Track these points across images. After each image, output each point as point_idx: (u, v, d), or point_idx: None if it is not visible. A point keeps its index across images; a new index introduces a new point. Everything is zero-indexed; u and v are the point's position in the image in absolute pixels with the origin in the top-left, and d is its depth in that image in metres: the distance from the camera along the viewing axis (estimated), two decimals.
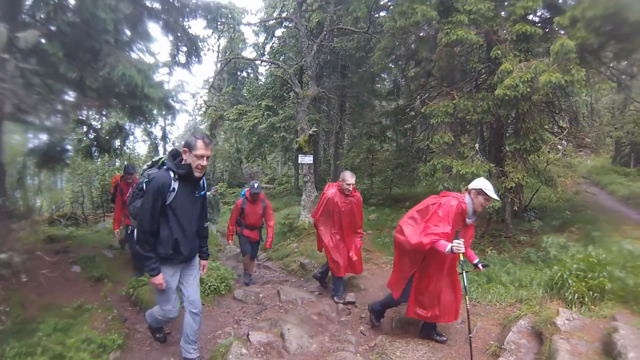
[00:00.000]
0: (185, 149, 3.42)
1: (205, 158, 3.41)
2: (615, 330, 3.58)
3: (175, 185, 3.42)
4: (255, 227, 7.39)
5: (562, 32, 8.16)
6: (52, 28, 4.99)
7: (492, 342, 4.14)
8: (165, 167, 3.51)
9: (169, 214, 3.46)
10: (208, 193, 12.85)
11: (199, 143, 3.36)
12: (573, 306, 4.33)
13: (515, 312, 4.59)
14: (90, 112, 7.38)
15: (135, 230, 3.58)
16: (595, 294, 4.38)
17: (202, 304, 5.56)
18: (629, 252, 5.63)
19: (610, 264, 4.77)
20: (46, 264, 5.89)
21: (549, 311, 4.20)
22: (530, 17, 9.28)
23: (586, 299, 4.35)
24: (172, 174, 3.42)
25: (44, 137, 6.52)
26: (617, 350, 3.34)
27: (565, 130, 9.63)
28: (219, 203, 14.18)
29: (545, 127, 9.39)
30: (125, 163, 14.93)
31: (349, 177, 5.78)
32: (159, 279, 3.49)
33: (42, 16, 4.92)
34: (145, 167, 3.91)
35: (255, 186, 7.24)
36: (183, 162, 3.46)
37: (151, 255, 3.45)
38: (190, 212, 3.61)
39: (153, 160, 3.90)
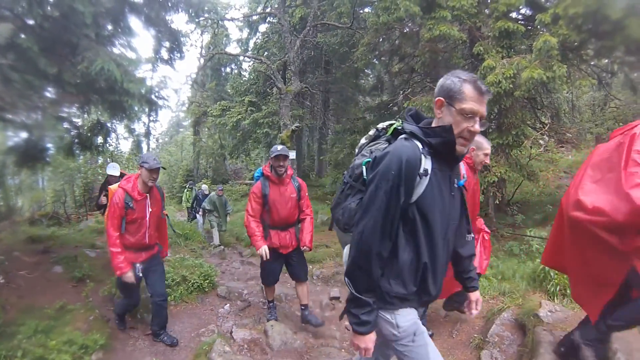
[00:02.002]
0: (441, 98, 1.81)
1: (478, 119, 1.77)
2: None
3: (427, 165, 1.79)
4: (289, 225, 4.67)
5: (544, 30, 8.29)
6: (30, 22, 4.88)
7: (475, 335, 4.17)
8: (404, 135, 1.90)
9: (416, 219, 1.82)
10: (212, 193, 11.81)
11: (468, 89, 1.75)
12: (555, 298, 4.37)
13: (498, 305, 4.61)
14: (71, 109, 7.23)
15: (348, 249, 1.93)
16: None
17: (185, 302, 5.54)
18: None
19: None
20: (26, 264, 5.77)
21: (532, 303, 4.23)
22: (513, 14, 9.42)
23: (568, 291, 4.38)
24: (420, 145, 1.82)
25: (23, 134, 6.36)
26: None
27: (546, 125, 9.79)
28: (227, 204, 11.87)
29: (527, 122, 9.55)
30: (108, 160, 14.17)
31: (487, 145, 3.81)
32: (367, 341, 1.88)
33: (20, 9, 4.81)
34: (364, 140, 2.24)
35: (279, 149, 4.42)
36: (438, 124, 1.84)
37: (368, 301, 1.83)
38: (448, 215, 1.93)
39: (379, 127, 2.19)
